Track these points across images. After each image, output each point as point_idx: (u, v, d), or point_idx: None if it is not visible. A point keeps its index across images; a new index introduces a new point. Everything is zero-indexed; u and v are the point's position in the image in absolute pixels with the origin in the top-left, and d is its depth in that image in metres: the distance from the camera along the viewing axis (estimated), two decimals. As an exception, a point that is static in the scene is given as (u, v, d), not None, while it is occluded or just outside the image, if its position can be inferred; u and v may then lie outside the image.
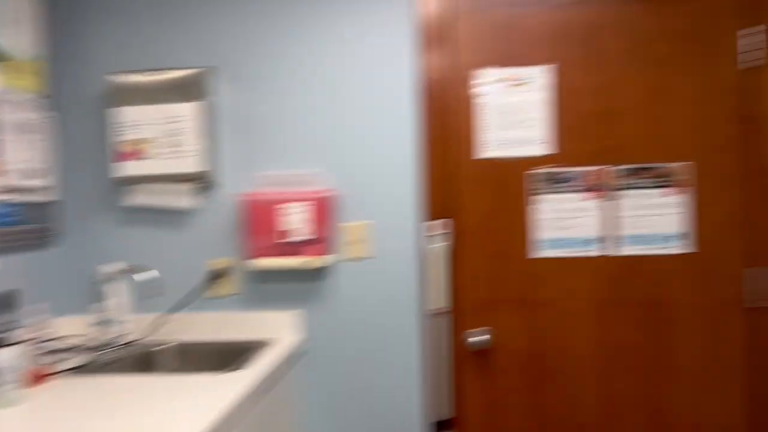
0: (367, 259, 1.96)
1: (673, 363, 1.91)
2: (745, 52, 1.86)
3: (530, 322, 1.95)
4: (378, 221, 1.97)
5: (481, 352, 1.95)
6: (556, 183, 1.93)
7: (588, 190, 1.92)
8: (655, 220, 1.91)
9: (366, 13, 1.96)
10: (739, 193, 1.88)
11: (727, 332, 1.89)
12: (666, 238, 1.91)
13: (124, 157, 1.96)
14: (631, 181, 1.91)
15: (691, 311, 1.90)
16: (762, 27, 1.84)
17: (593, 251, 1.93)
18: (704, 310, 1.90)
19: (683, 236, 1.90)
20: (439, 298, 1.90)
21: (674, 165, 1.90)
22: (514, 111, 1.94)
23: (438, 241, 1.91)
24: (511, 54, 1.94)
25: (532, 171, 1.94)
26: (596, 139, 1.92)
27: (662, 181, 1.90)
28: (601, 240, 1.92)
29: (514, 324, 1.95)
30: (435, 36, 1.97)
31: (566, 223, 1.93)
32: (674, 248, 1.90)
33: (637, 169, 1.91)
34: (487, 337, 1.93)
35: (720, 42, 1.88)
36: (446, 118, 1.96)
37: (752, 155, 1.87)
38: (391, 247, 1.96)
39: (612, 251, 1.92)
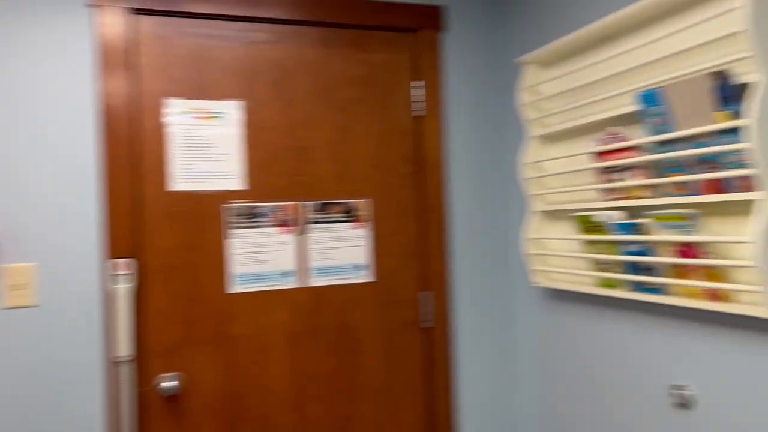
0: (32, 306, 1.71)
1: (360, 384, 2.03)
2: (415, 102, 2.11)
3: (226, 361, 1.89)
4: (47, 262, 1.73)
5: (172, 398, 1.83)
6: (251, 218, 1.93)
7: (281, 224, 1.96)
8: (342, 251, 2.02)
9: (38, 33, 1.73)
10: (414, 226, 2.11)
11: (408, 351, 2.09)
12: (352, 269, 2.03)
13: None
14: (321, 216, 2.00)
15: (375, 334, 2.05)
16: (422, 83, 2.10)
17: (287, 284, 1.96)
18: (386, 332, 2.07)
19: (366, 266, 2.05)
20: (127, 343, 1.74)
21: (359, 201, 2.05)
22: (207, 144, 1.89)
23: (124, 281, 1.75)
24: (203, 86, 1.89)
25: (227, 205, 1.91)
26: (289, 175, 1.97)
27: (348, 215, 2.03)
28: (294, 273, 1.97)
29: (208, 364, 1.87)
30: (121, 61, 1.83)
31: (261, 257, 1.94)
32: (359, 277, 2.04)
33: (325, 204, 2.01)
34: (176, 383, 1.82)
35: (396, 91, 2.10)
36: (134, 148, 1.82)
37: (422, 193, 2.11)
38: (66, 290, 1.74)
39: (305, 283, 1.98)
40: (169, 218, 1.85)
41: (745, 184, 1.30)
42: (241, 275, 1.92)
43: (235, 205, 1.92)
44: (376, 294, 2.06)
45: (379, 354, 2.06)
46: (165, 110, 1.85)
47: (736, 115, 1.28)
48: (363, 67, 2.06)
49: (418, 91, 2.11)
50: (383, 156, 2.08)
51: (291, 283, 1.97)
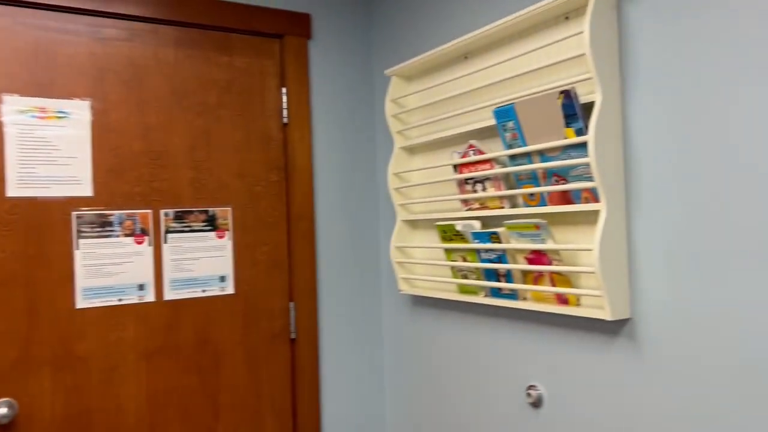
0: None
1: (222, 402, 1.95)
2: (282, 109, 2.07)
3: (70, 383, 1.73)
4: None
5: (3, 428, 1.64)
6: (102, 226, 1.79)
7: (135, 233, 1.83)
8: (202, 262, 1.93)
9: None
10: (281, 235, 2.06)
11: (274, 365, 2.03)
12: (213, 280, 1.95)
13: None
14: (179, 225, 1.90)
15: (238, 349, 1.98)
16: (289, 90, 2.07)
17: (142, 298, 1.84)
18: (251, 346, 2.00)
19: (229, 277, 1.97)
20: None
21: (220, 209, 1.97)
22: (51, 146, 1.73)
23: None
24: (45, 83, 1.73)
25: (75, 213, 1.75)
26: (144, 181, 1.85)
27: (209, 224, 1.95)
28: (150, 285, 1.85)
29: (47, 388, 1.70)
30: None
31: (113, 269, 1.80)
32: (221, 289, 1.96)
33: (184, 213, 1.91)
34: (5, 410, 1.63)
35: (262, 97, 2.04)
36: (-40, 148, 1.62)
37: (289, 202, 2.07)
38: None
39: (161, 296, 1.87)
40: (6, 227, 1.67)
41: (590, 195, 1.40)
42: (90, 289, 1.77)
43: (84, 212, 1.77)
44: (239, 306, 1.99)
45: (242, 369, 1.99)
46: (2, 108, 1.67)
47: (581, 132, 1.38)
48: (225, 71, 1.99)
49: (284, 98, 2.08)
50: (247, 163, 2.02)
51: (146, 297, 1.85)
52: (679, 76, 1.26)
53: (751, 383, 1.15)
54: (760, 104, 1.13)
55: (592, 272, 1.33)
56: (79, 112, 1.78)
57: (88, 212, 1.78)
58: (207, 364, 1.93)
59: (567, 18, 1.49)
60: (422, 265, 1.99)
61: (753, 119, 1.14)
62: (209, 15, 1.95)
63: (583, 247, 1.36)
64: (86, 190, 1.78)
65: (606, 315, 1.34)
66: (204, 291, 1.93)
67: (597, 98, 1.34)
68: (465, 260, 1.73)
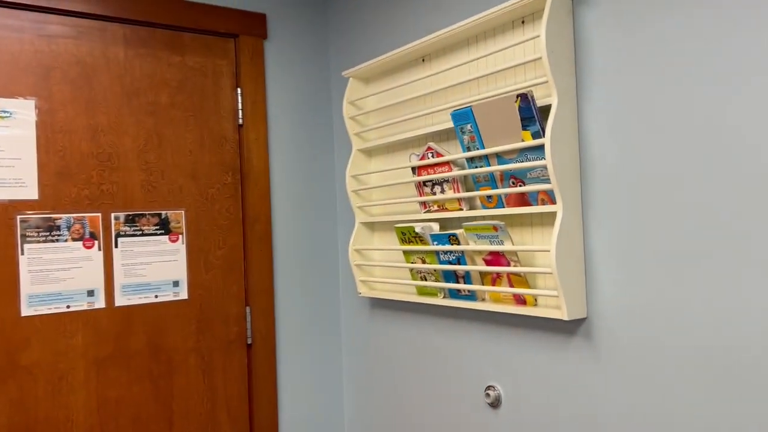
0: None
1: (177, 410, 1.90)
2: (237, 110, 2.03)
3: (13, 395, 1.66)
4: None
5: (-57, 443, 1.56)
6: (48, 231, 1.72)
7: (85, 238, 1.77)
8: (155, 267, 1.88)
9: None
10: (236, 238, 2.02)
11: (230, 371, 1.99)
12: (166, 285, 1.90)
13: None
14: (131, 228, 1.84)
15: (193, 355, 1.93)
16: (244, 90, 2.04)
17: (92, 304, 1.77)
18: (206, 352, 1.95)
19: (183, 282, 1.92)
20: None
21: (173, 212, 1.92)
22: (-9, 147, 1.66)
23: None
24: (-14, 80, 1.66)
25: (20, 216, 1.68)
26: (93, 184, 1.79)
27: (162, 228, 1.89)
28: (100, 291, 1.79)
29: (-9, 400, 1.63)
30: None
31: (60, 275, 1.73)
32: (175, 294, 1.91)
33: (135, 216, 1.86)
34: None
35: (216, 97, 2.00)
36: None
37: (245, 204, 2.03)
38: None
39: (112, 302, 1.81)
40: (-59, 232, 1.59)
41: (546, 197, 1.42)
42: (36, 295, 1.70)
43: (29, 216, 1.69)
44: (193, 312, 1.94)
45: (196, 376, 1.94)
46: (-64, 106, 1.59)
47: (538, 135, 1.39)
48: (178, 71, 1.94)
49: (239, 99, 2.04)
50: (201, 165, 1.97)
51: (96, 303, 1.78)
52: (631, 79, 1.29)
53: (705, 379, 1.18)
54: (711, 107, 1.16)
55: (550, 273, 1.35)
56: (23, 111, 1.70)
57: (33, 216, 1.71)
58: (160, 371, 1.88)
59: (523, 22, 1.50)
60: (381, 268, 1.99)
61: (705, 122, 1.17)
62: (160, 13, 1.90)
63: (540, 248, 1.38)
64: (31, 192, 1.71)
65: (563, 315, 1.36)
66: (156, 296, 1.88)
67: (553, 101, 1.36)
68: (424, 262, 1.73)
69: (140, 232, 1.86)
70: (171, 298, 1.90)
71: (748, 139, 1.11)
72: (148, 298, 1.87)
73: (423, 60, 1.80)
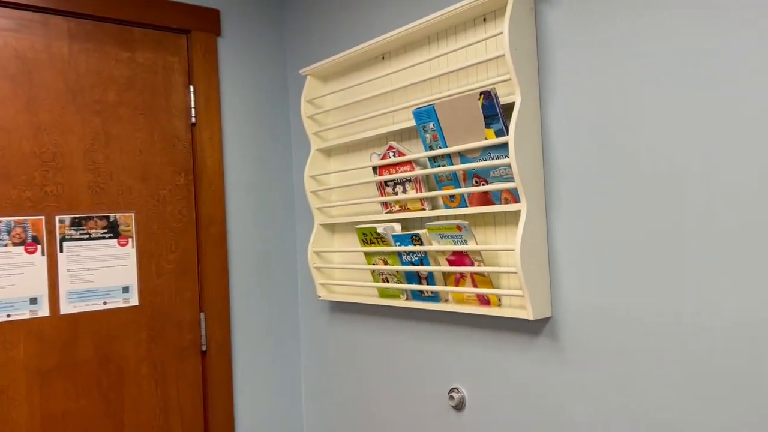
0: None
1: (128, 423, 1.81)
2: (190, 108, 1.96)
3: (-52, 411, 1.55)
4: None
5: None
6: (-15, 235, 1.61)
7: (26, 242, 1.67)
8: (104, 272, 1.79)
9: None
10: (190, 242, 1.94)
11: (185, 380, 1.91)
12: (116, 291, 1.81)
13: None
14: (77, 232, 1.75)
15: (145, 365, 1.84)
16: (197, 88, 1.96)
17: (35, 312, 1.67)
18: (159, 361, 1.87)
19: (134, 288, 1.84)
20: None
21: (123, 214, 1.83)
22: None
23: None
24: None
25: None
26: (35, 186, 1.69)
27: (111, 231, 1.80)
28: (43, 299, 1.69)
29: None
30: None
31: (0, 282, 1.63)
32: (126, 301, 1.82)
33: (82, 219, 1.76)
34: None
35: (167, 95, 1.92)
36: None
37: (199, 206, 1.96)
38: None
39: (56, 310, 1.71)
40: None
41: (510, 196, 1.40)
42: (-28, 305, 1.59)
43: (-37, 220, 1.59)
44: (144, 319, 1.86)
45: (148, 386, 1.85)
46: None
47: (501, 133, 1.38)
48: (127, 67, 1.86)
49: (191, 97, 1.97)
50: (152, 165, 1.89)
51: (39, 312, 1.68)
52: (595, 77, 1.29)
53: (672, 380, 1.19)
54: (671, 105, 1.17)
55: (514, 272, 1.34)
56: (-42, 108, 1.59)
57: (-31, 220, 1.60)
58: (109, 382, 1.79)
59: (485, 20, 1.49)
60: (341, 270, 1.95)
61: (670, 120, 1.18)
62: (108, 6, 1.81)
63: (505, 248, 1.36)
64: (-33, 195, 1.60)
65: (528, 315, 1.34)
66: (105, 303, 1.79)
67: (517, 99, 1.34)
68: (386, 263, 1.70)
69: (87, 236, 1.77)
70: (121, 304, 1.81)
71: (717, 138, 1.12)
72: (96, 305, 1.77)
73: (383, 58, 1.77)
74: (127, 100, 1.85)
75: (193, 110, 1.96)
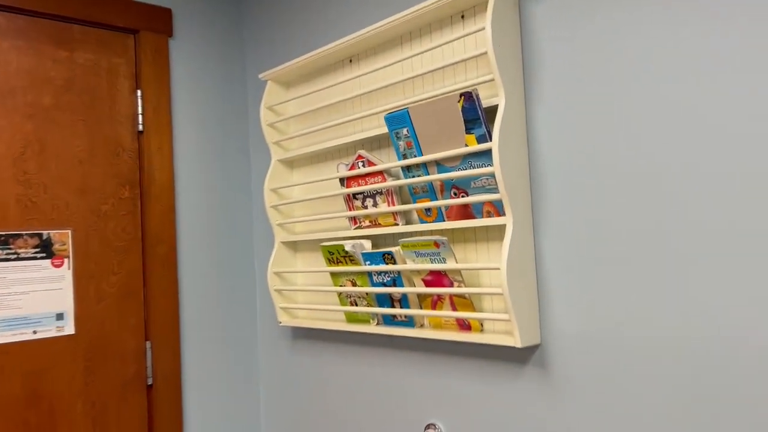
0: None
1: (59, 470, 1.59)
2: (136, 115, 1.78)
3: None
4: None
5: None
6: None
7: (-59, 264, 1.46)
8: (33, 297, 1.58)
9: None
10: (135, 263, 1.75)
11: (127, 416, 1.70)
12: (48, 318, 1.60)
13: None
14: (4, 252, 1.54)
15: (80, 401, 1.63)
16: (144, 93, 1.79)
17: (-51, 345, 1.46)
18: (97, 396, 1.66)
19: (69, 314, 1.63)
20: None
21: (59, 232, 1.63)
22: None
23: None
24: None
25: None
26: (-46, 198, 1.48)
27: (43, 251, 1.60)
28: (-39, 329, 1.47)
29: None
30: None
31: None
32: (60, 329, 1.61)
33: (9, 237, 1.55)
34: None
35: (111, 100, 1.74)
36: None
37: (145, 223, 1.77)
38: None
39: (-24, 342, 1.49)
40: None
41: (492, 209, 1.26)
42: None
43: None
44: (81, 349, 1.65)
45: (84, 426, 1.64)
46: None
47: (484, 138, 1.24)
48: (65, 68, 1.67)
49: (139, 102, 1.78)
50: (92, 177, 1.70)
51: (-45, 343, 1.47)
52: (583, 77, 1.17)
53: (667, 410, 1.05)
54: (662, 107, 1.05)
55: (500, 293, 1.19)
56: None
57: None
58: (39, 422, 1.57)
59: (463, 17, 1.36)
60: (305, 293, 1.78)
61: (663, 120, 1.06)
62: (43, 1, 1.63)
63: (489, 266, 1.21)
64: None
65: (515, 341, 1.20)
66: (35, 332, 1.58)
67: (500, 101, 1.21)
68: (354, 285, 1.53)
69: (15, 256, 1.56)
70: (53, 333, 1.60)
71: (711, 139, 1.00)
72: (25, 335, 1.56)
73: (350, 60, 1.62)
74: (65, 104, 1.66)
75: (140, 117, 1.78)
